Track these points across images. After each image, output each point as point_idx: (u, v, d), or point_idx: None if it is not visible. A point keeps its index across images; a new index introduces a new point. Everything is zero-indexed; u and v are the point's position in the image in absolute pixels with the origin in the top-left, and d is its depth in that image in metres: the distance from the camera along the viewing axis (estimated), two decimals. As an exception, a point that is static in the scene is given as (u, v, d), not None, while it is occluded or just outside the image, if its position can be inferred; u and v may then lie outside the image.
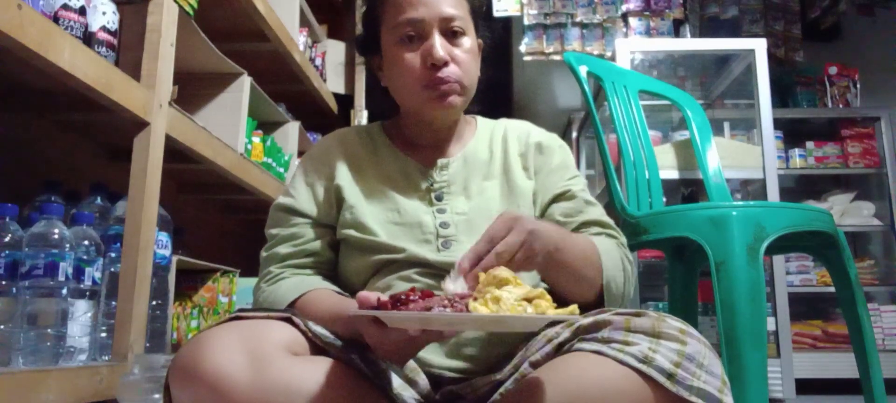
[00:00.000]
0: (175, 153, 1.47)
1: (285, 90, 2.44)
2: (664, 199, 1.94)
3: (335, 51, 2.93)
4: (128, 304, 1.22)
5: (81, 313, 1.17)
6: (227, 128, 1.74)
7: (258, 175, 1.91)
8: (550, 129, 1.17)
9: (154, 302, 1.37)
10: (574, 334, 0.83)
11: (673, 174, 2.51)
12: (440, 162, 1.07)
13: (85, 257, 1.17)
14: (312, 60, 2.58)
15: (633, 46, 2.88)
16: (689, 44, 3.33)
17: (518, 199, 1.06)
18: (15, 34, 0.95)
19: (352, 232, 1.01)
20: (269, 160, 2.07)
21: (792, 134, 3.47)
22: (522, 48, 3.69)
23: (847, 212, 3.41)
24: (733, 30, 3.73)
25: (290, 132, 2.30)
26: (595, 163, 3.59)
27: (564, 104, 4.10)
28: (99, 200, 1.37)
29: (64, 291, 1.11)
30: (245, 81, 1.82)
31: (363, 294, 0.74)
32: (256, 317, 0.83)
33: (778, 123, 2.87)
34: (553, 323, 0.86)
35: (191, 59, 1.66)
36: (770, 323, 2.49)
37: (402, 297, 0.71)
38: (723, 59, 3.12)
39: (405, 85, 1.03)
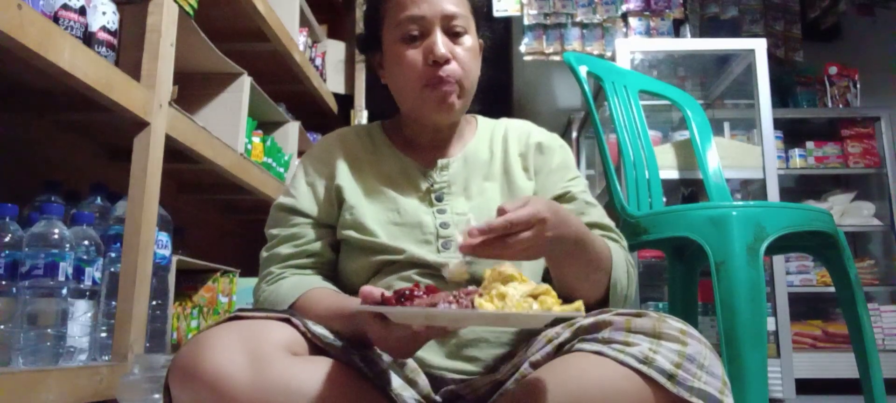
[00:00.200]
0: (175, 153, 1.47)
1: (285, 90, 2.44)
2: (664, 199, 1.94)
3: (335, 50, 2.93)
4: (128, 304, 1.22)
5: (81, 313, 1.17)
6: (227, 128, 1.74)
7: (258, 175, 1.91)
8: (550, 129, 1.17)
9: (154, 302, 1.37)
10: (574, 334, 0.83)
11: (673, 174, 2.51)
12: (440, 162, 1.07)
13: (85, 257, 1.17)
14: (312, 60, 2.58)
15: (633, 46, 2.88)
16: (689, 44, 3.33)
17: (518, 200, 1.05)
18: (15, 34, 0.95)
19: (352, 233, 1.01)
20: (269, 160, 2.07)
21: (792, 134, 3.47)
22: (522, 48, 3.69)
23: (847, 212, 3.41)
24: (733, 30, 3.73)
25: (290, 132, 2.30)
26: (595, 163, 3.59)
27: (564, 104, 4.10)
28: (99, 200, 1.37)
29: (64, 291, 1.11)
30: (245, 81, 1.82)
31: (367, 288, 0.74)
32: (256, 317, 0.82)
33: (778, 123, 2.87)
34: (558, 320, 0.85)
35: (191, 59, 1.66)
36: (770, 323, 2.49)
37: (407, 293, 0.71)
38: (723, 59, 3.12)
39: (406, 82, 1.03)
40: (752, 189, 2.86)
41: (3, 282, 1.07)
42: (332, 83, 2.85)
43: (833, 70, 3.65)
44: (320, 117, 2.76)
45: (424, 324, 0.71)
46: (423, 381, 0.90)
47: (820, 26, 3.92)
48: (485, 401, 0.88)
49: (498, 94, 3.75)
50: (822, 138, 3.50)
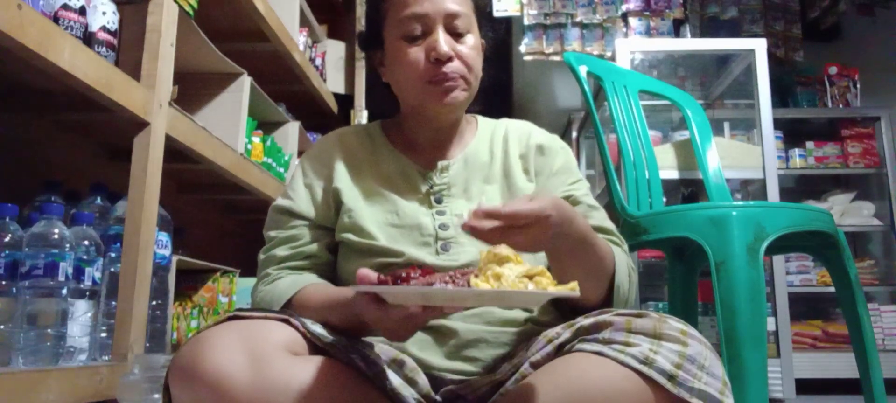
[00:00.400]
0: (175, 153, 1.47)
1: (285, 90, 2.44)
2: (664, 199, 1.94)
3: (335, 50, 2.93)
4: (128, 304, 1.22)
5: (81, 313, 1.17)
6: (227, 128, 1.74)
7: (258, 175, 1.91)
8: (550, 129, 1.17)
9: (154, 302, 1.37)
10: (575, 335, 0.83)
11: (673, 174, 2.51)
12: (440, 164, 1.06)
13: (85, 257, 1.17)
14: (312, 60, 2.57)
15: (633, 46, 2.88)
16: (689, 44, 3.33)
17: (519, 201, 1.05)
18: (15, 34, 0.94)
19: (350, 236, 1.01)
20: (269, 160, 2.07)
21: (792, 134, 3.48)
22: (522, 48, 3.69)
23: (847, 212, 3.42)
24: (733, 30, 3.73)
25: (290, 132, 2.30)
26: (595, 163, 3.59)
27: (564, 104, 4.10)
28: (99, 200, 1.37)
29: (64, 291, 1.11)
30: (245, 81, 1.82)
31: (363, 271, 0.74)
32: (255, 317, 0.82)
33: (778, 123, 2.87)
34: (554, 303, 0.85)
35: (191, 59, 1.66)
36: (770, 323, 2.49)
37: (403, 274, 0.72)
38: (723, 59, 3.12)
39: (408, 80, 1.02)
40: (752, 189, 2.86)
41: (3, 282, 1.07)
42: (332, 83, 2.85)
43: (833, 70, 3.65)
44: (320, 117, 2.76)
45: (421, 304, 0.71)
46: (422, 381, 0.90)
47: (820, 26, 3.92)
48: (485, 401, 0.88)
49: (498, 95, 3.74)
50: (822, 138, 3.50)
